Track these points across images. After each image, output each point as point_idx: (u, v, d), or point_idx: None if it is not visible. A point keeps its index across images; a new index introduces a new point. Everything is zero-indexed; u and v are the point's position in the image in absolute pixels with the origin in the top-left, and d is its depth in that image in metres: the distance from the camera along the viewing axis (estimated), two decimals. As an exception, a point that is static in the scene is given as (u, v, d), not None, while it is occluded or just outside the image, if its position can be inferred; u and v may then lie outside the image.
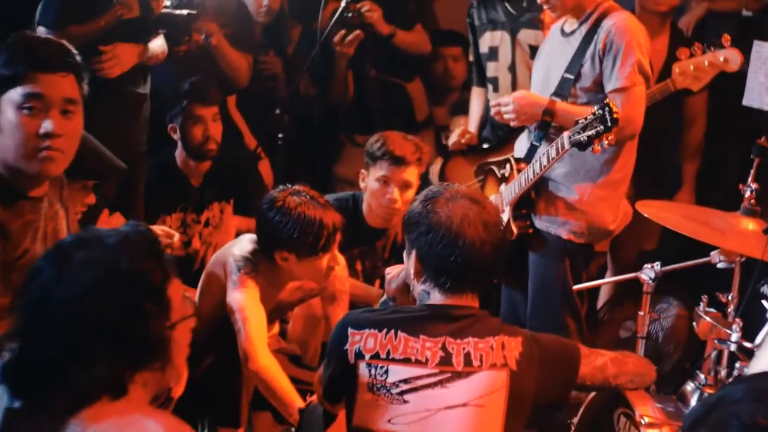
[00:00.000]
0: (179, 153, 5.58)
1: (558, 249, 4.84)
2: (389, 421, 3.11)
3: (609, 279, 5.04)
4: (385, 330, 3.16)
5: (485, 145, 5.74)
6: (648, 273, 4.12)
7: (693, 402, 3.82)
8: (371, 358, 3.13)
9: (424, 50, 6.70)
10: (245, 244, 4.44)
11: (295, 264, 4.33)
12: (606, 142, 4.25)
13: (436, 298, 3.24)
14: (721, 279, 4.07)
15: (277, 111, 6.09)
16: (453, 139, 5.79)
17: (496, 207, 3.43)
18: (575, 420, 4.17)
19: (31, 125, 3.14)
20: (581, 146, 4.35)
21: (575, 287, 4.77)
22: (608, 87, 4.62)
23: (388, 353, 3.13)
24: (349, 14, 6.08)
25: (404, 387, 3.11)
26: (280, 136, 6.12)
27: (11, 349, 2.27)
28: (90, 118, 3.94)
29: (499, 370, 3.15)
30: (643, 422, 3.65)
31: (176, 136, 5.55)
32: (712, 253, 4.07)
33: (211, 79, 5.74)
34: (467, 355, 3.14)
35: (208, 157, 5.58)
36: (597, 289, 5.95)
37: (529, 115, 4.80)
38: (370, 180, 5.06)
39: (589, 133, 4.29)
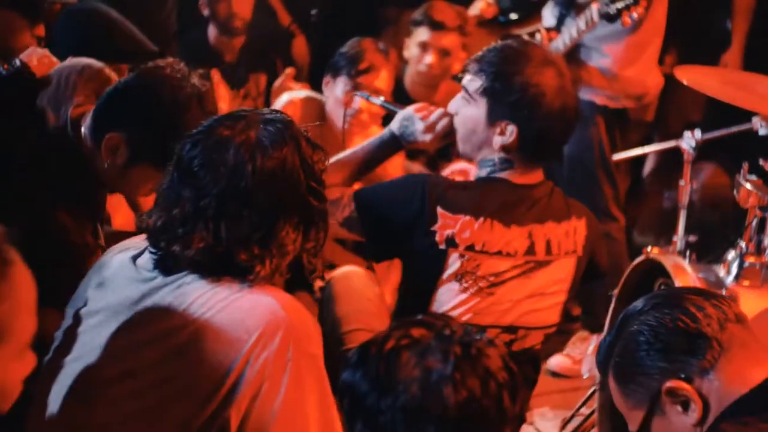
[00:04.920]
0: (211, 30, 5.52)
1: (592, 115, 4.78)
2: (475, 313, 3.05)
3: (647, 148, 4.94)
4: (481, 219, 3.03)
5: (513, 16, 5.66)
6: (688, 141, 4.02)
7: (734, 269, 3.75)
8: (466, 249, 3.02)
9: None
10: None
11: None
12: (635, 14, 4.20)
13: (516, 172, 3.12)
14: (763, 146, 3.97)
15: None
16: (474, 12, 5.66)
17: None
18: (615, 292, 4.13)
19: None
20: (610, 18, 4.33)
21: (616, 157, 4.71)
22: None
23: (483, 246, 3.03)
24: None
25: (493, 280, 3.05)
26: (313, 12, 6.03)
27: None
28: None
29: (570, 258, 3.16)
30: (682, 292, 3.60)
31: (206, 12, 5.47)
32: (753, 119, 3.97)
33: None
34: (548, 243, 3.11)
35: (236, 34, 5.51)
36: (641, 161, 5.88)
37: None
38: (410, 46, 4.98)
39: (618, 5, 4.27)
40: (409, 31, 5.12)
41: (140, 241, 2.38)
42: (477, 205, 3.04)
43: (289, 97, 4.50)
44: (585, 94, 4.73)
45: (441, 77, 4.96)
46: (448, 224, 3.01)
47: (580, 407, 4.36)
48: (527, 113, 3.02)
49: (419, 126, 3.23)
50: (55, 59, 3.54)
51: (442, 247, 3.01)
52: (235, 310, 2.17)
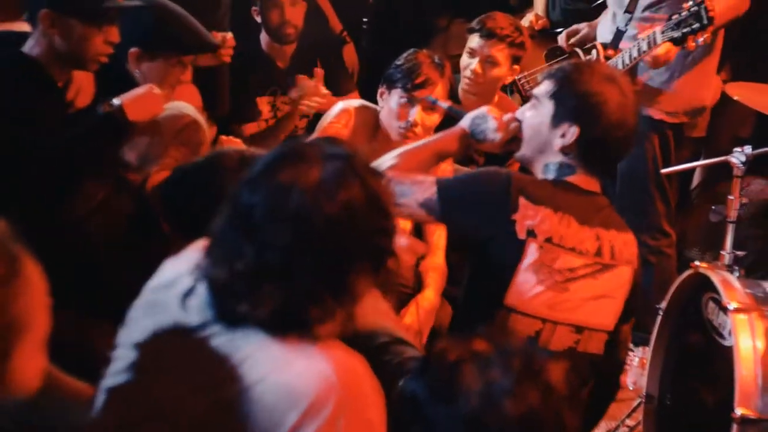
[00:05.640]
0: (263, 36, 5.53)
1: (648, 130, 4.74)
2: (549, 307, 3.08)
3: (698, 162, 4.93)
4: (560, 213, 3.09)
5: (560, 29, 5.63)
6: (738, 156, 4.02)
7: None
8: (545, 241, 3.06)
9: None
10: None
11: None
12: (701, 39, 4.17)
13: (579, 177, 3.20)
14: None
15: (363, -6, 6.05)
16: (525, 24, 5.66)
17: None
18: (663, 305, 4.13)
19: None
20: (676, 42, 4.29)
21: (664, 171, 4.70)
22: None
23: (560, 240, 3.07)
24: None
25: (568, 275, 3.08)
26: (365, 20, 6.04)
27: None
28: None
29: (628, 267, 3.20)
30: (730, 307, 3.60)
31: (259, 19, 5.49)
32: (806, 135, 3.97)
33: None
34: (611, 248, 3.16)
35: (287, 41, 5.49)
36: (690, 174, 5.87)
37: None
38: (463, 54, 4.97)
39: (684, 30, 4.20)
40: (459, 40, 5.11)
41: (191, 266, 2.23)
42: (555, 200, 3.11)
43: (344, 105, 4.51)
44: (641, 109, 4.68)
45: (487, 87, 4.92)
46: (528, 215, 3.05)
47: (625, 419, 4.37)
48: (589, 117, 3.11)
49: (492, 124, 3.32)
50: (162, 104, 3.56)
51: (522, 237, 3.04)
52: (289, 374, 2.04)
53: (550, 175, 3.21)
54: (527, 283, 3.05)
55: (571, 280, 3.08)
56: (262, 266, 2.06)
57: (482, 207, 3.10)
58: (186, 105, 3.70)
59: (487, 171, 3.30)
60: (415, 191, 3.09)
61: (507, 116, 3.33)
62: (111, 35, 3.62)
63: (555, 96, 3.18)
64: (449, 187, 3.14)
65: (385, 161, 3.26)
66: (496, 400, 1.77)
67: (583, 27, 5.10)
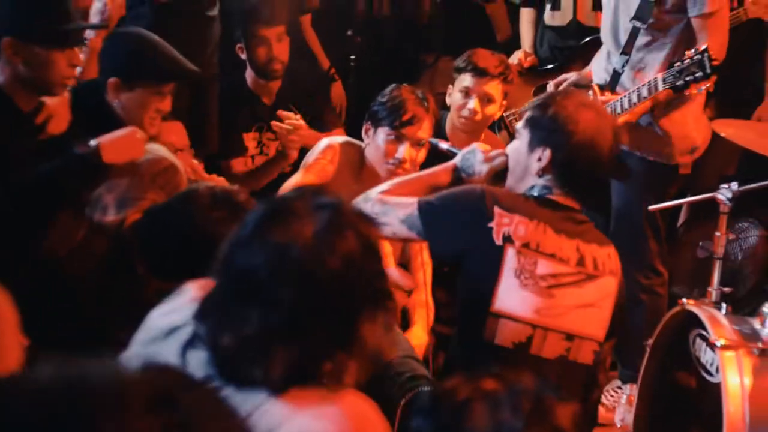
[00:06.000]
0: (249, 73, 5.54)
1: (643, 172, 4.75)
2: (536, 311, 3.13)
3: (685, 199, 4.93)
4: (535, 221, 3.17)
5: (549, 66, 5.67)
6: (725, 193, 4.04)
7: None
8: (522, 246, 3.13)
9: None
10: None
11: None
12: (703, 87, 4.21)
13: (557, 198, 3.27)
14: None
15: (349, 32, 6.04)
16: (514, 61, 5.67)
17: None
18: (650, 342, 4.13)
19: None
20: (677, 90, 4.32)
21: (651, 207, 4.70)
22: (692, 11, 4.46)
23: (537, 246, 3.15)
24: None
25: (552, 282, 3.14)
26: (352, 57, 6.06)
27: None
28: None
29: (612, 277, 3.27)
30: (718, 344, 3.60)
31: (243, 56, 5.50)
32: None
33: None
34: (594, 260, 3.23)
35: (274, 77, 5.49)
36: (677, 210, 5.87)
37: None
38: (453, 92, 4.99)
39: (687, 78, 4.24)
40: (445, 76, 5.13)
41: (183, 317, 2.19)
42: (529, 209, 3.20)
43: (329, 141, 4.51)
44: (636, 151, 4.74)
45: (483, 123, 4.96)
46: (504, 222, 3.14)
47: (613, 457, 4.36)
48: (559, 137, 3.22)
49: (479, 157, 3.46)
50: (143, 148, 3.54)
51: (499, 243, 3.13)
52: (300, 423, 2.00)
53: (530, 195, 3.31)
54: (511, 288, 3.12)
55: (555, 286, 3.15)
56: (271, 328, 2.02)
57: (461, 218, 3.19)
58: (162, 148, 3.69)
59: (463, 187, 3.37)
60: (398, 209, 3.23)
61: (496, 151, 3.47)
62: (74, 58, 3.62)
63: (529, 123, 3.32)
64: (429, 203, 3.24)
65: (378, 188, 3.39)
66: None
67: (571, 76, 5.10)
